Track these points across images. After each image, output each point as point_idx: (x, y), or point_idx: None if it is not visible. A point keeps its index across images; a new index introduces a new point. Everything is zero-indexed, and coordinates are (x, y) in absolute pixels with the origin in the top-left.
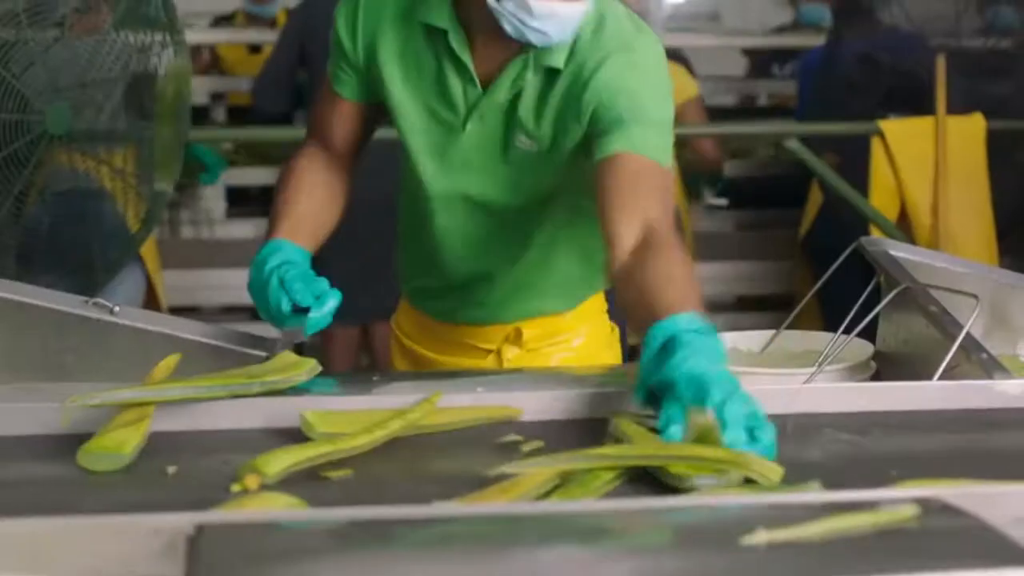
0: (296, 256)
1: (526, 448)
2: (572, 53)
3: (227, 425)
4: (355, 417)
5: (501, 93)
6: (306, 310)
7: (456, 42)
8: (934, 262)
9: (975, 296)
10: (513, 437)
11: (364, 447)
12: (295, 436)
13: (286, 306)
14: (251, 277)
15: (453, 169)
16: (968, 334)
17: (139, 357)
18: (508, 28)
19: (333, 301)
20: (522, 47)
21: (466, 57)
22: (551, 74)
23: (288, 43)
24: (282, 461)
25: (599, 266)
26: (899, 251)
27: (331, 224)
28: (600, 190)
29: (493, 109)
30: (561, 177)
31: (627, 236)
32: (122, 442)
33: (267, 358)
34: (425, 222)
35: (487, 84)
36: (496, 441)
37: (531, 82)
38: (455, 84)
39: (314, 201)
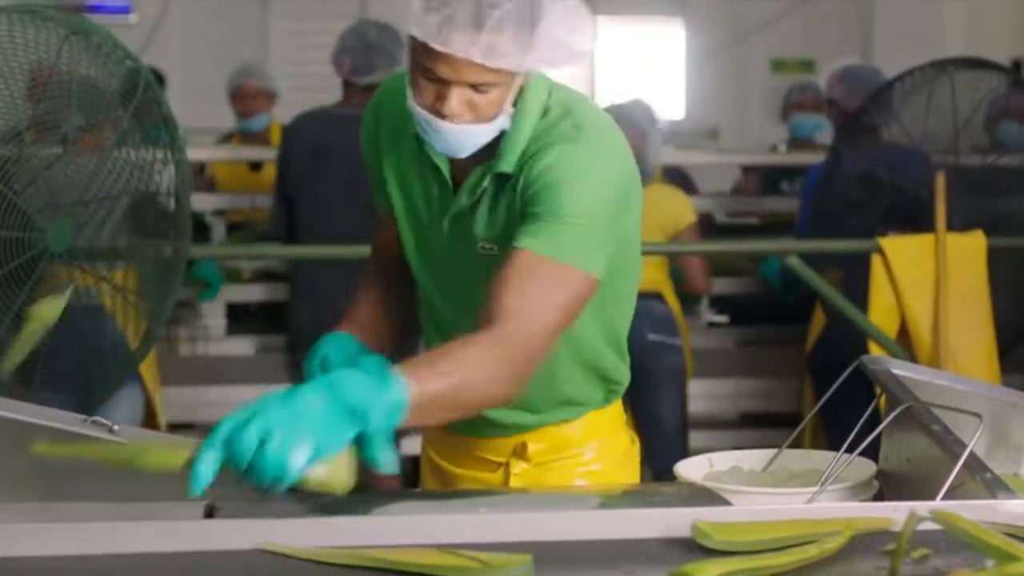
0: (346, 342)
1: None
2: (524, 153)
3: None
4: (753, 528)
5: (463, 198)
6: None
7: (433, 152)
8: (936, 380)
9: (978, 415)
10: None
11: (788, 566)
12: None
13: None
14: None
15: (440, 270)
16: (972, 453)
17: (137, 476)
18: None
19: None
20: (483, 155)
21: (441, 162)
22: (503, 180)
23: (278, 169)
24: (716, 568)
25: (601, 374)
26: (901, 369)
27: (391, 331)
28: (495, 277)
29: (460, 209)
30: None
31: (482, 320)
32: None
33: None
34: (428, 324)
35: (457, 188)
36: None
37: (487, 189)
38: (434, 187)
39: (372, 309)
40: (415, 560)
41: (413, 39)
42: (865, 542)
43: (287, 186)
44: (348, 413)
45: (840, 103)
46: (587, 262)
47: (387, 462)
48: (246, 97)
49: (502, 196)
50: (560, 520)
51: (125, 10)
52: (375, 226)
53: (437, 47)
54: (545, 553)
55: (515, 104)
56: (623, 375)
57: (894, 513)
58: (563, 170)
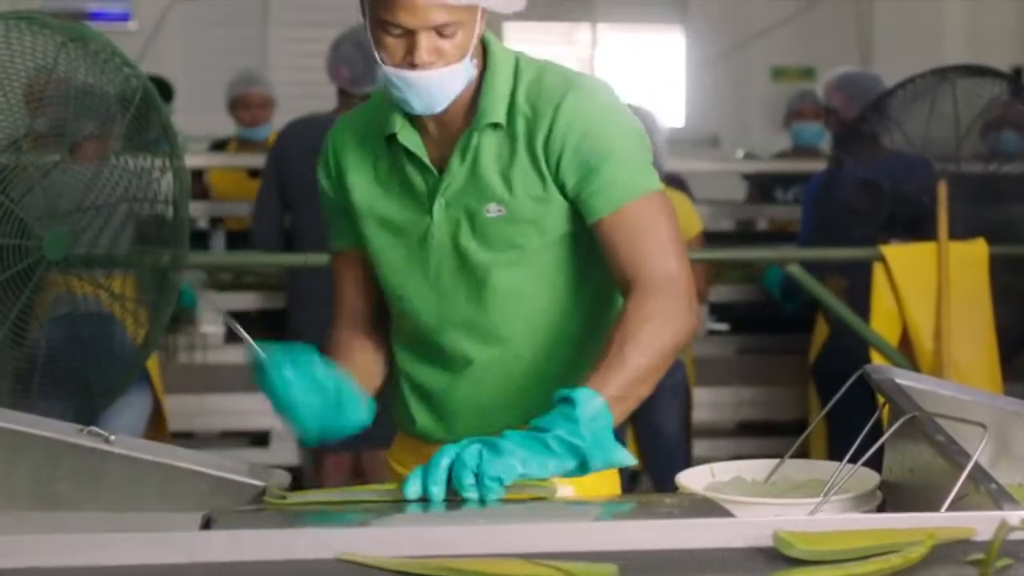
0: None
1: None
2: (512, 107)
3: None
4: (835, 537)
5: (457, 169)
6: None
7: (406, 138)
8: (940, 390)
9: (983, 425)
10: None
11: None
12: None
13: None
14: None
15: (432, 274)
16: (976, 464)
17: (134, 486)
18: (390, 95)
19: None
20: (468, 122)
21: (418, 148)
22: (498, 132)
23: (268, 176)
24: None
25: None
26: (905, 379)
27: (372, 386)
28: (604, 254)
29: (453, 188)
30: (540, 244)
31: (623, 293)
32: None
33: (263, 488)
34: (418, 358)
35: (443, 168)
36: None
37: (484, 147)
38: (416, 180)
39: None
40: (499, 571)
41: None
42: (947, 552)
43: (285, 193)
44: (568, 451)
45: (839, 111)
46: (654, 181)
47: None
48: (252, 106)
49: (510, 151)
50: (640, 529)
51: (124, 17)
52: (341, 275)
53: None
54: (629, 563)
55: (484, 64)
56: None
57: (978, 523)
58: (587, 115)
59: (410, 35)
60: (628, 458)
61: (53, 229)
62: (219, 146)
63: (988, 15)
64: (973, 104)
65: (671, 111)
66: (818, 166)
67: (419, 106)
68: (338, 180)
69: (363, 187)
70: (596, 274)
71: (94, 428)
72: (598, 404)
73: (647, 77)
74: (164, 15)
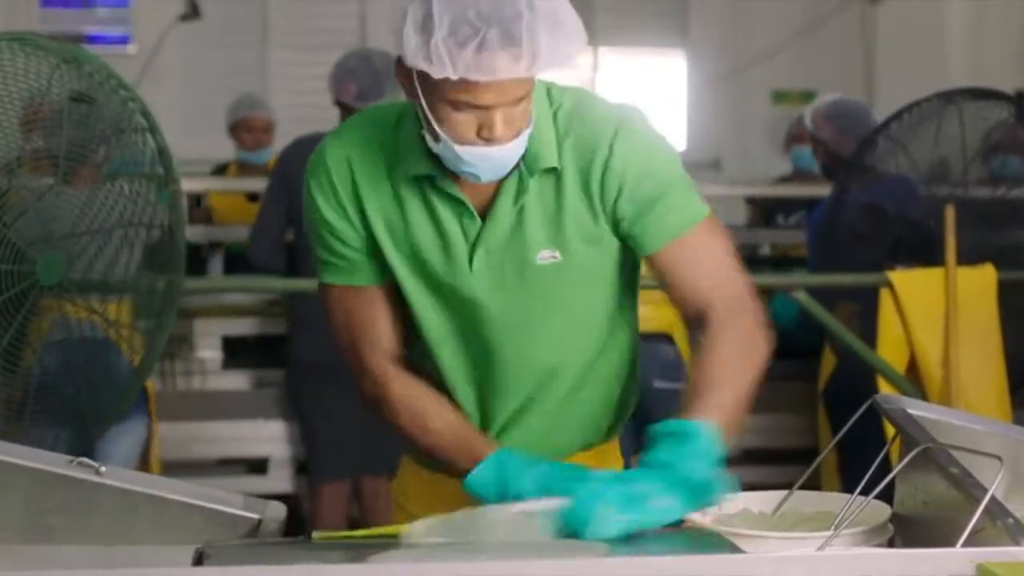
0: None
1: None
2: (561, 147)
3: None
4: None
5: (504, 216)
6: None
7: (444, 182)
8: (952, 420)
9: (999, 458)
10: None
11: None
12: None
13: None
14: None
15: (467, 317)
16: (992, 497)
17: (126, 519)
18: (448, 166)
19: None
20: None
21: (457, 192)
22: (553, 175)
23: (273, 196)
24: None
25: (621, 406)
26: (916, 409)
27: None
28: (665, 285)
29: (498, 235)
30: (590, 286)
31: (693, 321)
32: None
33: (259, 521)
34: (435, 371)
35: (484, 214)
36: None
37: (533, 191)
38: (451, 224)
39: (446, 413)
40: None
41: (436, 80)
42: None
43: (291, 213)
44: (686, 490)
45: (827, 142)
46: (703, 205)
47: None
48: (255, 130)
49: (560, 194)
50: (648, 566)
51: (123, 40)
52: (362, 311)
53: (482, 79)
54: None
55: None
56: (633, 403)
57: (996, 558)
58: (641, 150)
59: (484, 110)
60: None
61: (47, 254)
62: (220, 170)
63: (991, 40)
64: (979, 128)
65: (672, 135)
66: (821, 191)
67: (489, 176)
68: (357, 215)
69: (387, 222)
70: (629, 302)
71: (84, 459)
72: (712, 435)
73: (648, 100)
74: (163, 38)
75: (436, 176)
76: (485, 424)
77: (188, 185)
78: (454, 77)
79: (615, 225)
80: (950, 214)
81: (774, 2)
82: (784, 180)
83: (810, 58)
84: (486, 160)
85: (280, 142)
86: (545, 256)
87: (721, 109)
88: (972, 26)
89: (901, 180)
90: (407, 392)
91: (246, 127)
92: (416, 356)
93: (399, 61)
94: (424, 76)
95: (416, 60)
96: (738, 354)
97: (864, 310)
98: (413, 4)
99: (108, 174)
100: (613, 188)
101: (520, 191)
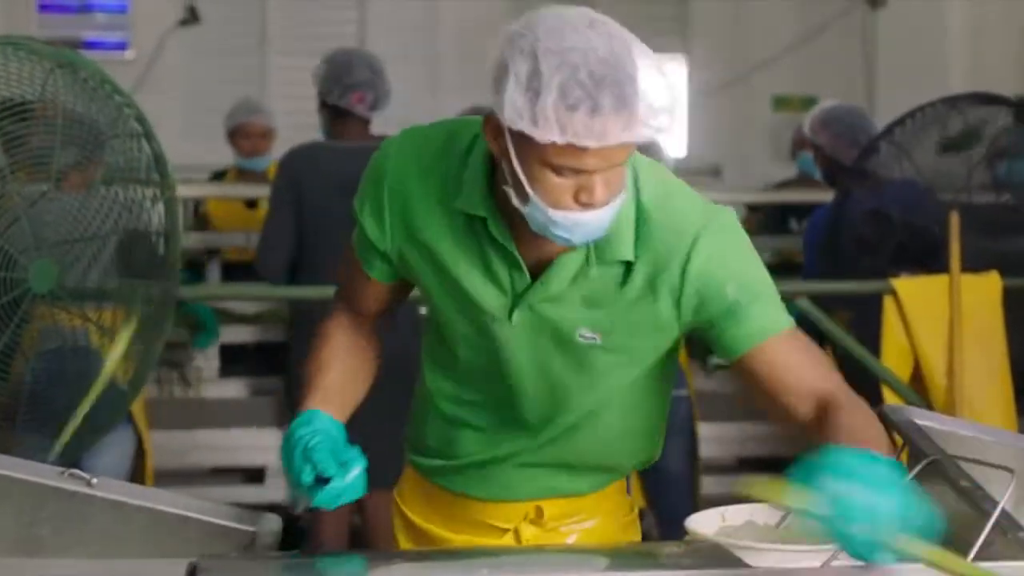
0: (325, 425)
1: None
2: (637, 239)
3: None
4: None
5: (556, 284)
6: (328, 480)
7: (497, 230)
8: (961, 431)
9: (1010, 470)
10: None
11: None
12: None
13: (307, 476)
14: (281, 450)
15: (496, 358)
16: (1003, 510)
17: (118, 531)
18: (534, 228)
19: (357, 468)
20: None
21: (510, 245)
22: (622, 267)
23: (281, 203)
24: None
25: (635, 449)
26: (924, 419)
27: (363, 390)
28: (757, 384)
29: (546, 299)
30: (627, 369)
31: (811, 411)
32: None
33: (253, 533)
34: (456, 401)
35: (537, 273)
36: None
37: (595, 277)
38: (501, 271)
39: (346, 368)
40: None
41: (538, 143)
42: None
43: (301, 220)
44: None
45: (823, 148)
46: (790, 318)
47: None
48: (253, 136)
49: (624, 284)
50: None
51: (122, 46)
52: (351, 285)
53: (592, 144)
54: None
55: None
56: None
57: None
58: (726, 256)
59: (586, 175)
60: None
61: (39, 261)
62: (219, 176)
63: (992, 46)
64: (983, 133)
65: (673, 141)
66: (823, 196)
67: (581, 240)
68: (395, 234)
69: (432, 248)
70: (667, 372)
71: (76, 471)
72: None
73: None
74: (162, 44)
75: (489, 221)
76: (492, 447)
77: (185, 191)
78: (561, 142)
79: (683, 323)
80: (954, 220)
81: (775, 8)
82: (787, 184)
83: (811, 64)
84: (580, 226)
85: (279, 148)
86: (585, 335)
87: (722, 115)
88: (973, 31)
89: (907, 185)
90: (333, 330)
91: (244, 133)
92: (444, 394)
93: (489, 116)
94: (521, 136)
95: (519, 122)
96: (870, 429)
97: (859, 317)
98: (515, 58)
99: (103, 180)
100: (691, 291)
101: (582, 274)
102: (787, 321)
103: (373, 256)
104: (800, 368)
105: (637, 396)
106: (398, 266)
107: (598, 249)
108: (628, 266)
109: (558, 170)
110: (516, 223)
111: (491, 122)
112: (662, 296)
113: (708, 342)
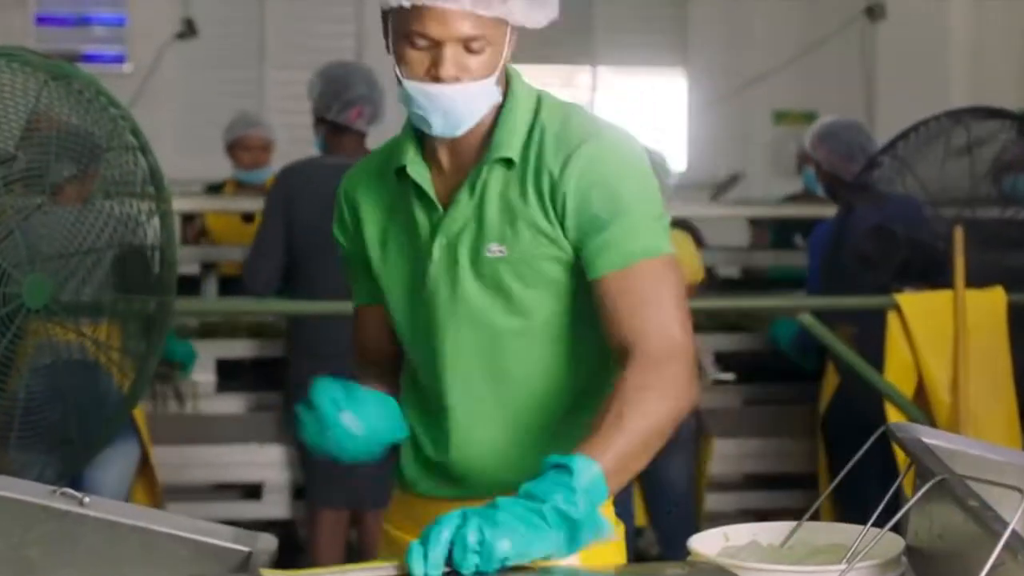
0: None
1: None
2: (528, 144)
3: None
4: None
5: (464, 204)
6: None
7: (414, 171)
8: (969, 450)
9: (1020, 490)
10: None
11: None
12: None
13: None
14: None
15: (425, 304)
16: (1014, 531)
17: (110, 551)
18: (409, 111)
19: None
20: (480, 156)
21: (424, 182)
22: (509, 168)
23: (272, 219)
24: None
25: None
26: (931, 438)
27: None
28: (600, 313)
29: (457, 224)
30: (539, 288)
31: (619, 359)
32: None
33: (249, 553)
34: (414, 404)
35: (448, 204)
36: None
37: (492, 183)
38: (420, 216)
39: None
40: None
41: (395, 12)
42: None
43: (292, 237)
44: (562, 524)
45: (821, 163)
46: (666, 244)
47: (607, 533)
48: (252, 149)
49: (517, 191)
50: None
51: (119, 59)
52: (361, 324)
53: (427, 1)
54: None
55: (505, 98)
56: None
57: None
58: (603, 165)
59: (436, 48)
60: (612, 533)
61: (33, 275)
62: (215, 189)
63: (993, 61)
64: (987, 147)
65: (673, 155)
66: (825, 211)
67: (440, 125)
68: (355, 235)
69: (375, 233)
70: (596, 331)
71: (68, 490)
72: (595, 474)
73: (648, 121)
74: (159, 57)
75: (408, 165)
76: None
77: (182, 204)
78: (405, 3)
79: (568, 235)
80: (959, 235)
81: (774, 21)
82: (792, 199)
83: (811, 78)
84: (432, 101)
85: (277, 162)
86: (493, 249)
87: (722, 129)
88: (974, 43)
89: (908, 201)
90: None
91: (244, 146)
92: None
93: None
94: (388, 13)
95: None
96: (650, 396)
97: (863, 333)
98: None
99: (98, 193)
100: (568, 192)
101: (477, 180)
102: (653, 249)
103: (356, 276)
104: (634, 309)
105: (562, 346)
106: (372, 274)
107: (490, 153)
108: (520, 172)
109: (411, 39)
110: (432, 161)
111: (383, 17)
112: (545, 199)
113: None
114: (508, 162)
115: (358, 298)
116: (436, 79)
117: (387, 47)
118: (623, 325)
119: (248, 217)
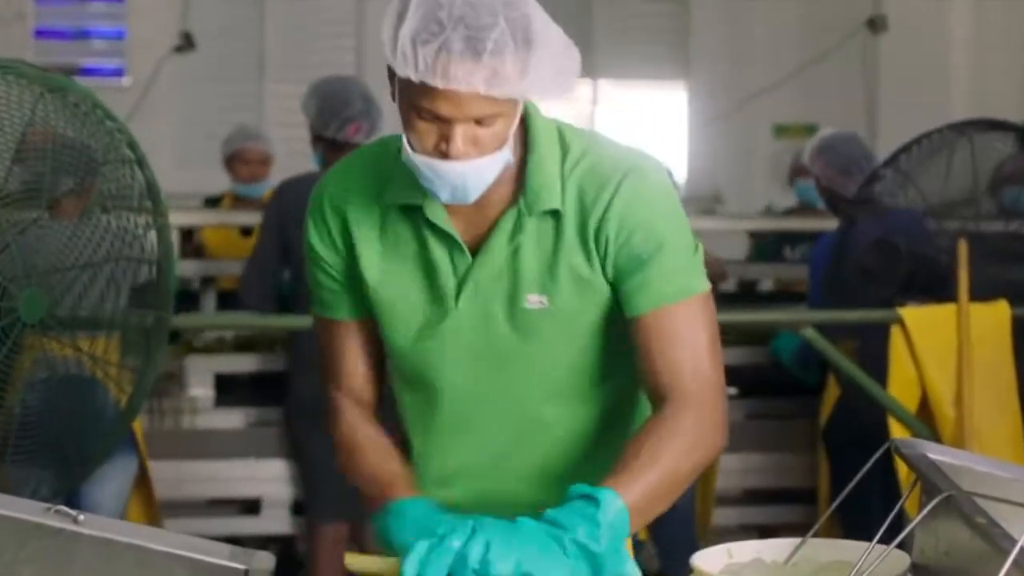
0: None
1: None
2: (564, 189)
3: None
4: None
5: (497, 253)
6: None
7: (432, 213)
8: (976, 466)
9: None
10: None
11: None
12: None
13: None
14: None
15: (447, 353)
16: (1022, 548)
17: (104, 570)
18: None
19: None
20: (512, 200)
21: (447, 226)
22: (554, 217)
23: (268, 234)
24: None
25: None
26: (937, 454)
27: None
28: (635, 351)
29: (489, 274)
30: (576, 333)
31: (655, 398)
32: None
33: (245, 572)
34: (422, 415)
35: (476, 250)
36: None
37: (531, 231)
38: (441, 259)
39: (385, 450)
40: None
41: (404, 81)
42: None
43: (288, 252)
44: (583, 557)
45: (819, 177)
46: (702, 282)
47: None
48: (251, 162)
49: (558, 238)
50: None
51: (118, 73)
52: (339, 346)
53: (437, 84)
54: None
55: (526, 139)
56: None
57: None
58: (645, 202)
59: (446, 123)
60: (634, 569)
61: (29, 290)
62: (212, 203)
63: (995, 75)
64: (992, 160)
65: (673, 168)
66: (824, 224)
67: (448, 197)
68: (345, 248)
69: (372, 257)
70: (624, 364)
71: (62, 507)
72: (620, 509)
73: (649, 134)
74: (158, 70)
75: (425, 207)
76: (452, 479)
77: (180, 218)
78: (414, 78)
79: (605, 274)
80: (963, 248)
81: (775, 34)
82: (789, 213)
83: (812, 91)
84: (441, 176)
85: (276, 176)
86: (532, 300)
87: (722, 143)
88: (975, 56)
89: (911, 214)
90: (351, 430)
91: (242, 159)
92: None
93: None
94: (397, 78)
95: (387, 55)
96: (685, 441)
97: (865, 347)
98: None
99: (94, 207)
100: (611, 235)
101: (517, 229)
102: (691, 288)
103: (335, 295)
104: (673, 349)
105: (591, 388)
106: (353, 286)
107: (528, 202)
108: (558, 218)
109: (420, 112)
110: (451, 205)
111: (389, 70)
112: (590, 243)
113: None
114: (554, 213)
115: (336, 312)
116: (444, 156)
117: (392, 95)
118: (658, 365)
119: (246, 231)
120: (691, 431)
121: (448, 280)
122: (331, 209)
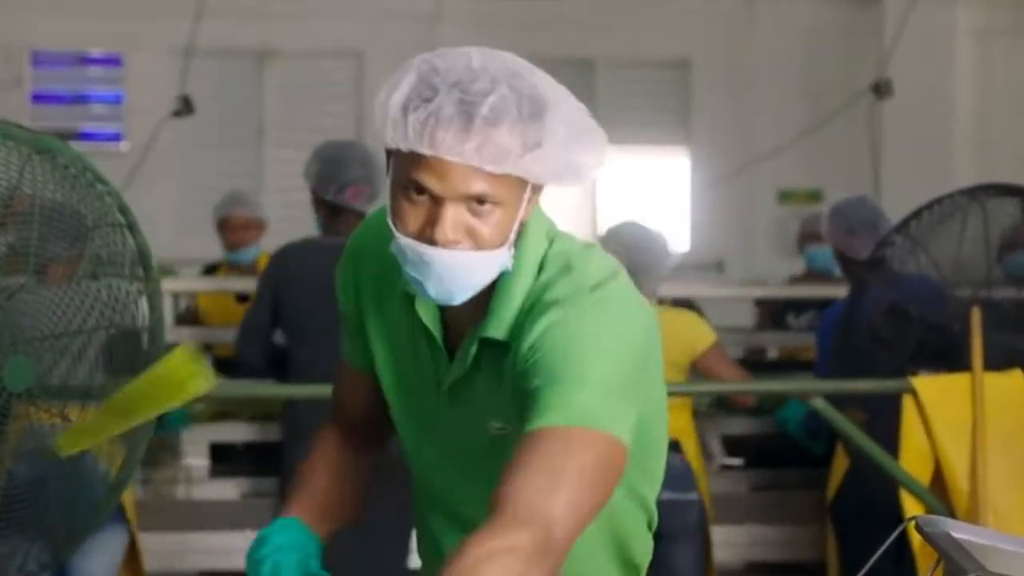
0: (299, 540)
1: None
2: (518, 323)
3: None
4: None
5: (457, 368)
6: None
7: (423, 309)
8: (1002, 545)
9: None
10: None
11: None
12: None
13: None
14: (248, 555)
15: (442, 448)
16: None
17: None
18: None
19: None
20: (479, 315)
21: (433, 325)
22: (496, 347)
23: (261, 299)
24: None
25: (629, 561)
26: (961, 532)
27: (351, 501)
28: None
29: (465, 386)
30: None
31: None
32: None
33: None
34: (427, 506)
35: (455, 355)
36: None
37: (489, 355)
38: (425, 355)
39: (334, 477)
40: None
41: (392, 153)
42: None
43: (280, 319)
44: None
45: (829, 242)
46: (607, 422)
47: None
48: (236, 228)
49: (502, 367)
50: None
51: (116, 137)
52: (342, 379)
53: (423, 150)
54: None
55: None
56: (648, 556)
57: None
58: (563, 334)
59: (435, 204)
60: None
61: (15, 358)
62: (210, 270)
63: (998, 141)
64: (1001, 226)
65: (676, 235)
66: (831, 291)
67: (434, 292)
68: (356, 301)
69: (378, 319)
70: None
71: None
72: None
73: (651, 200)
74: (157, 135)
75: (416, 299)
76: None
77: (172, 285)
78: (402, 147)
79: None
80: (976, 316)
81: (778, 100)
82: (796, 280)
83: (816, 157)
84: (427, 265)
85: (275, 241)
86: (494, 428)
87: (725, 208)
88: (980, 121)
89: (923, 280)
90: (321, 442)
91: (228, 226)
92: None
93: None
94: (390, 152)
95: (377, 125)
96: (490, 568)
97: (874, 418)
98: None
99: (84, 273)
100: (518, 370)
101: (471, 346)
102: (591, 420)
103: (350, 334)
104: (526, 471)
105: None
106: (367, 344)
107: (484, 325)
108: (503, 347)
109: (407, 189)
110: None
111: (387, 150)
112: (518, 370)
113: None
114: (497, 343)
115: (351, 355)
116: (431, 241)
117: (385, 170)
118: (504, 482)
119: (242, 298)
120: (501, 556)
121: (429, 374)
122: (351, 262)
